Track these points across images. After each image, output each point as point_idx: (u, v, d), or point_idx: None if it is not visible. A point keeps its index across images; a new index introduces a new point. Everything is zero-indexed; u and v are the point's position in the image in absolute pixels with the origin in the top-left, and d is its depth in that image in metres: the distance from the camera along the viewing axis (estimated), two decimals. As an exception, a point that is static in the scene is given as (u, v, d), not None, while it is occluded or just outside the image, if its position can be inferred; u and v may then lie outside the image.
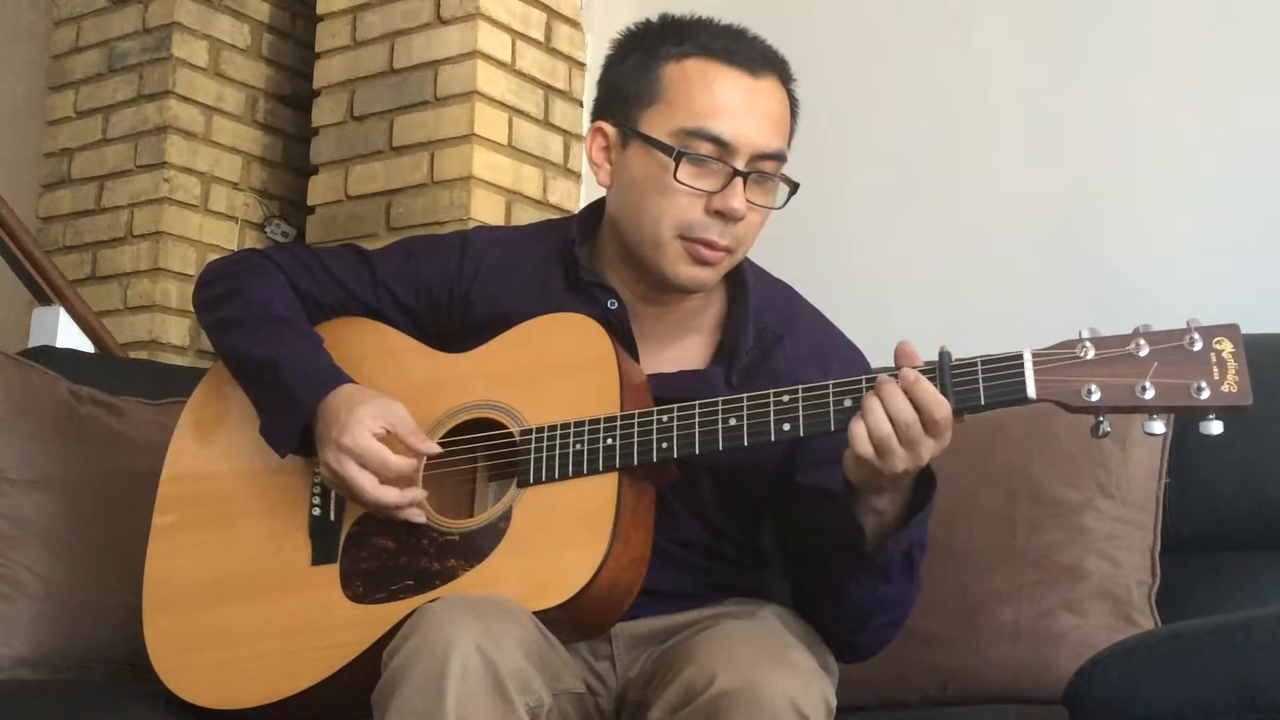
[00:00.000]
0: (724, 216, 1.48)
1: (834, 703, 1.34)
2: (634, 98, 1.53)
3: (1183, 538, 1.81)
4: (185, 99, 3.06)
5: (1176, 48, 2.29)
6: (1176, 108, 2.28)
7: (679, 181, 1.48)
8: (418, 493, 1.50)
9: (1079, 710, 1.22)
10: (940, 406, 1.31)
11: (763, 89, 1.51)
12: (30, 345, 2.52)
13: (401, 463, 1.49)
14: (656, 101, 1.51)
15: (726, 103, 1.49)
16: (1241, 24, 2.25)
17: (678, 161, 1.47)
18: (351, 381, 1.56)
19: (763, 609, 1.56)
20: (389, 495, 1.49)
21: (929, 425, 1.32)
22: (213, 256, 2.75)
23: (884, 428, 1.31)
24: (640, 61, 1.54)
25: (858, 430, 1.33)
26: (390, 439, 1.49)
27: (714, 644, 1.34)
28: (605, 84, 1.60)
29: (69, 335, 2.68)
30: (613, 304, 1.58)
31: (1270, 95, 2.20)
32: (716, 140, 1.47)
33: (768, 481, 1.56)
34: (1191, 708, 1.14)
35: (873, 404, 1.32)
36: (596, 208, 1.65)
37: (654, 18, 1.59)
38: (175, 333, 3.00)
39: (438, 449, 1.51)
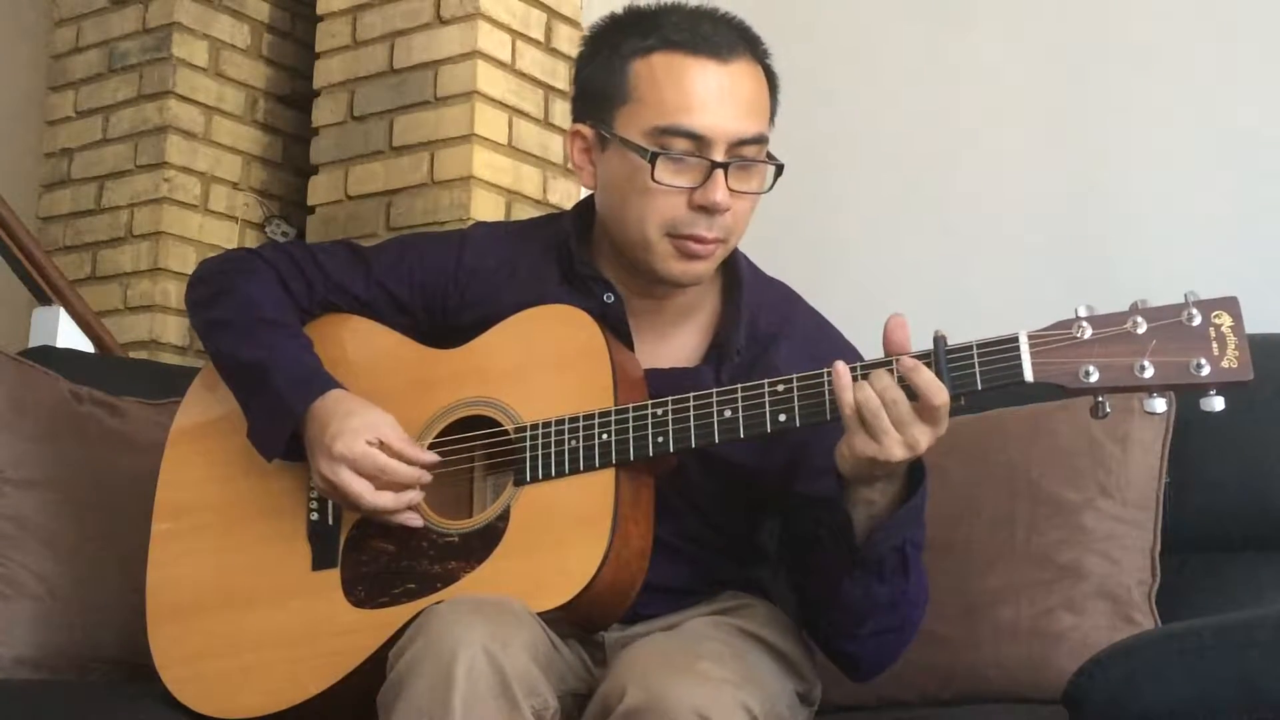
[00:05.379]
0: (708, 210, 1.47)
1: (765, 709, 1.33)
2: (606, 98, 1.52)
3: (1183, 538, 1.81)
4: (185, 99, 3.05)
5: (1176, 45, 2.29)
6: (1175, 105, 2.28)
7: (657, 181, 1.46)
8: (413, 496, 1.50)
9: (1079, 710, 1.21)
10: (939, 393, 1.30)
11: (734, 73, 1.48)
12: (30, 345, 2.52)
13: (398, 468, 1.48)
14: (628, 101, 1.49)
15: (697, 95, 1.46)
16: (1241, 22, 2.25)
17: (653, 162, 1.45)
18: (340, 387, 1.55)
19: (751, 606, 1.56)
20: (385, 500, 1.49)
21: (926, 412, 1.31)
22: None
23: (872, 402, 1.30)
24: (608, 60, 1.52)
25: (848, 410, 1.32)
26: (384, 449, 1.49)
27: (627, 656, 1.35)
28: (579, 85, 1.59)
29: (69, 335, 2.67)
30: (609, 298, 1.57)
31: (1270, 91, 2.20)
32: (690, 135, 1.46)
33: (771, 488, 1.55)
34: (1192, 707, 1.14)
35: (864, 389, 1.32)
36: (592, 201, 1.63)
37: (619, 10, 1.56)
38: (175, 333, 3.00)
39: (435, 458, 1.51)
